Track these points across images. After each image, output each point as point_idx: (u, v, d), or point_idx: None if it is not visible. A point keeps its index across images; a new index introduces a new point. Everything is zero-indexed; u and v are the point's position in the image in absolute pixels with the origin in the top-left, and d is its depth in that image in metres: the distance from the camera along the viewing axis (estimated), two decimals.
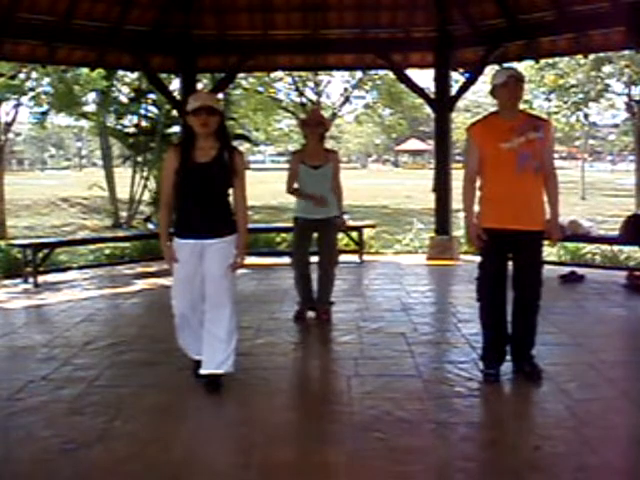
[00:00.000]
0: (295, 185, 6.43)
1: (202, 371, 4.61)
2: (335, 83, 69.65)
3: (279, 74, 26.91)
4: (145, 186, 19.27)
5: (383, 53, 10.20)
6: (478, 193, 4.80)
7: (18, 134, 57.80)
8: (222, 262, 4.49)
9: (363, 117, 40.96)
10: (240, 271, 4.78)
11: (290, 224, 6.70)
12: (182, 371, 4.89)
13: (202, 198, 4.47)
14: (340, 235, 11.59)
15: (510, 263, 4.76)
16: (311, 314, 6.53)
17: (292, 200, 6.58)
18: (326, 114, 31.72)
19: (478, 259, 4.88)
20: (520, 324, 4.80)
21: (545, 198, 4.72)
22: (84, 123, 27.65)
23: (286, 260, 8.78)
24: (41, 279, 8.62)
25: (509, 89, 4.59)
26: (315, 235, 6.52)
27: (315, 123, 6.35)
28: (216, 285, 4.50)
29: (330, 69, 18.40)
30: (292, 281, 6.58)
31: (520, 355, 4.82)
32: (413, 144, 64.18)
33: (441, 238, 10.34)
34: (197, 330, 4.65)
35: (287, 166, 6.66)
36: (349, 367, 5.07)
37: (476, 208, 4.80)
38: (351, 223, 10.54)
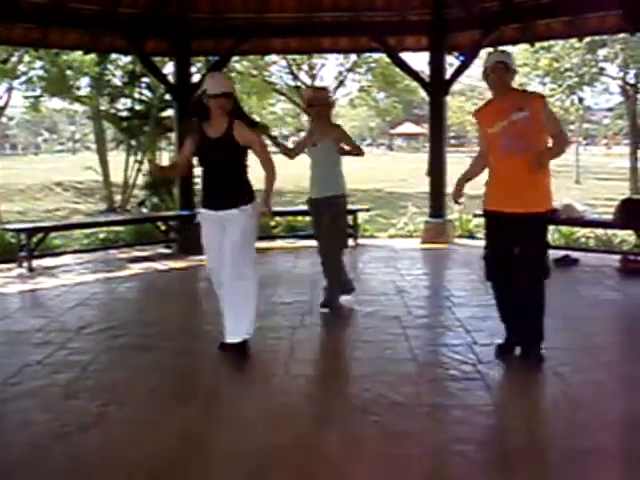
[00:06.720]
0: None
1: (228, 340, 4.80)
2: (329, 66, 69.35)
3: (273, 57, 26.77)
4: (139, 170, 19.18)
5: (378, 36, 10.14)
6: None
7: (11, 118, 57.47)
8: (241, 230, 4.74)
9: (357, 100, 40.69)
10: None
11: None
12: (177, 355, 4.90)
13: (217, 171, 4.83)
14: None
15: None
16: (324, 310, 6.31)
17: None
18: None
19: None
20: (522, 306, 4.75)
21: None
22: (78, 107, 27.49)
23: (278, 243, 8.80)
24: (35, 264, 8.59)
25: (497, 74, 4.63)
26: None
27: (319, 103, 6.33)
28: (235, 253, 4.72)
29: (324, 52, 18.28)
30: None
31: (524, 331, 4.78)
32: (408, 127, 63.91)
33: (435, 222, 10.34)
34: None
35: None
36: (344, 350, 5.08)
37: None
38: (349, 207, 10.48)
